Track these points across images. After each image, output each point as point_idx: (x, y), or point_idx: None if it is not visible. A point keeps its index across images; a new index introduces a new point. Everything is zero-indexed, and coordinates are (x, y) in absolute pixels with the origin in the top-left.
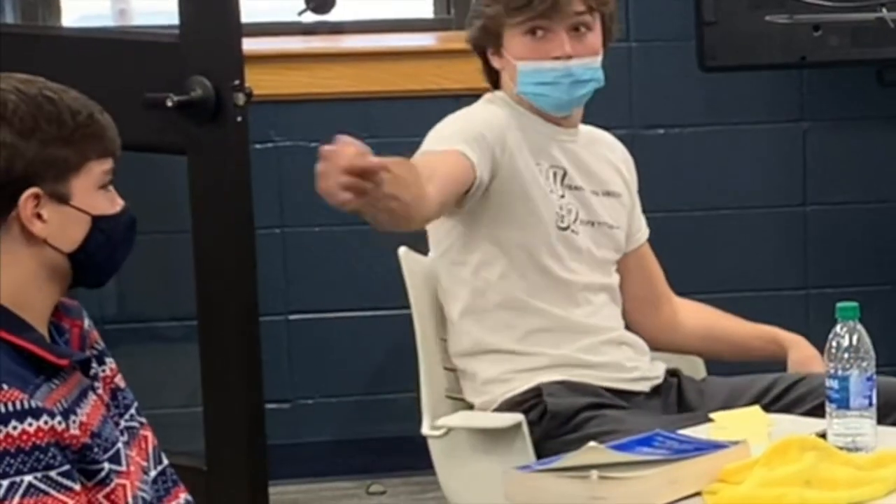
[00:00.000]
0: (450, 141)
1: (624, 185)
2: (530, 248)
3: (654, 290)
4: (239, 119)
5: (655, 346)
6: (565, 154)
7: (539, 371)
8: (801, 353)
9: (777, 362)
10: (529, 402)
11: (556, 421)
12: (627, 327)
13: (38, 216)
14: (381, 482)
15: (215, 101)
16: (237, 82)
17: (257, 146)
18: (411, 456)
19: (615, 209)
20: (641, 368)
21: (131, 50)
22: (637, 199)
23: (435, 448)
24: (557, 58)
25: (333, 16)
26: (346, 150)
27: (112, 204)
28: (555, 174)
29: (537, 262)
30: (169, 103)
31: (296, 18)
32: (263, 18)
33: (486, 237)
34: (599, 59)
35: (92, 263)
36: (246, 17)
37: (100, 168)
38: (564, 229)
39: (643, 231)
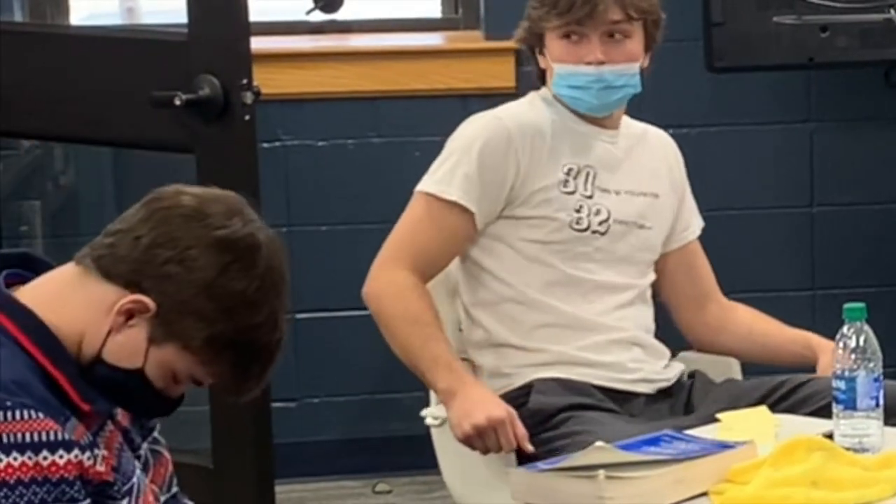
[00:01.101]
0: (455, 181)
1: (668, 186)
2: (540, 247)
3: (700, 288)
4: (247, 118)
5: (700, 347)
6: (601, 155)
7: (538, 367)
8: (830, 359)
9: (810, 368)
10: (520, 399)
11: (536, 419)
12: (675, 326)
13: (129, 316)
14: (387, 481)
15: (223, 99)
16: (245, 81)
17: (265, 145)
18: (417, 455)
19: (652, 210)
20: (646, 370)
21: (139, 48)
22: (688, 197)
23: (435, 437)
24: (590, 63)
25: (341, 15)
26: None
27: (170, 387)
28: (587, 175)
29: (546, 260)
30: (177, 102)
31: (304, 17)
32: (271, 17)
33: (498, 236)
34: (637, 65)
35: (102, 386)
36: (254, 15)
37: (199, 372)
38: (583, 230)
39: (691, 229)
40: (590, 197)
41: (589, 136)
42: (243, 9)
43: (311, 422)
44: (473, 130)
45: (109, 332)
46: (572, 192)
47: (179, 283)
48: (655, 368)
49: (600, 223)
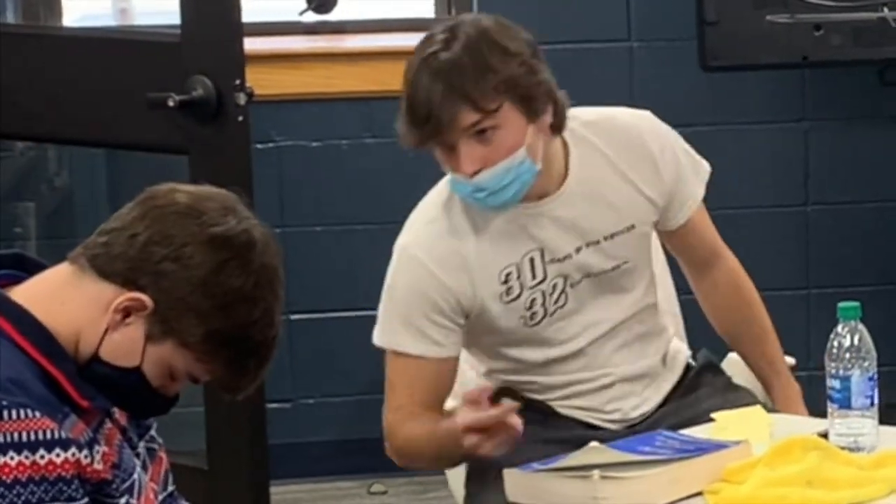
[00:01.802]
0: (399, 335)
1: (635, 194)
2: (499, 349)
3: (699, 254)
4: (240, 119)
5: (716, 321)
6: (542, 227)
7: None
8: (785, 392)
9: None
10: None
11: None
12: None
13: (126, 314)
14: (382, 482)
15: (216, 100)
16: (238, 82)
17: (258, 146)
18: None
19: (619, 245)
20: (624, 409)
21: (132, 49)
22: (682, 171)
23: None
24: (467, 173)
25: (335, 15)
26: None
27: (167, 385)
28: (531, 262)
29: (510, 355)
30: (170, 103)
31: (297, 18)
32: (265, 18)
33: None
34: (522, 151)
35: (99, 383)
36: (247, 16)
37: (196, 368)
38: (539, 321)
39: (684, 211)
40: (542, 280)
41: (520, 219)
42: (236, 10)
43: (306, 422)
44: (392, 275)
45: (106, 331)
46: (517, 297)
47: (176, 281)
48: (636, 402)
49: (564, 292)
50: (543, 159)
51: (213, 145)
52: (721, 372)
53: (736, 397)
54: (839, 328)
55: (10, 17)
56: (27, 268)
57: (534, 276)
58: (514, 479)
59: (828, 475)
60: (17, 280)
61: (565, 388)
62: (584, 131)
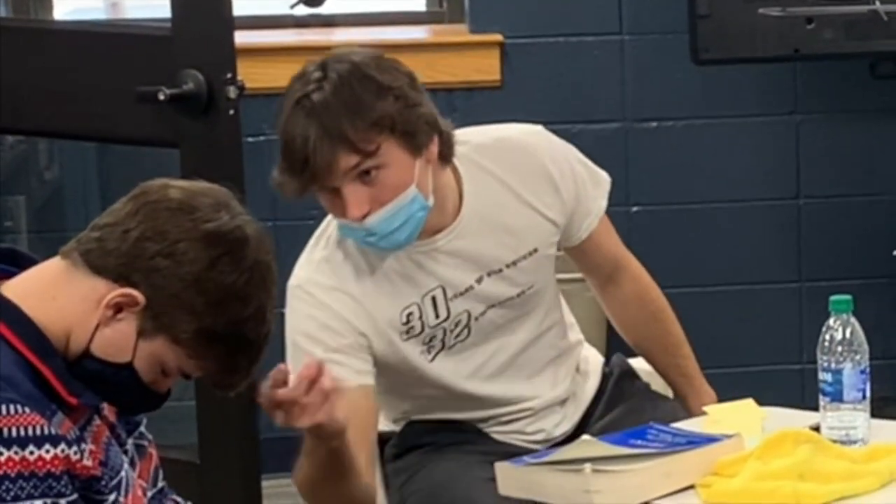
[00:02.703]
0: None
1: (534, 220)
2: (406, 390)
3: (602, 266)
4: (231, 112)
5: (622, 330)
6: (440, 263)
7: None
8: (700, 400)
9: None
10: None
11: (402, 443)
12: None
13: (118, 309)
14: None
15: (207, 94)
16: (229, 75)
17: (250, 139)
18: None
19: (523, 270)
20: (547, 429)
21: (123, 43)
22: (580, 193)
23: None
24: (355, 218)
25: (326, 9)
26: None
27: (158, 381)
28: (432, 300)
29: (414, 393)
30: (161, 97)
31: (288, 11)
32: (255, 11)
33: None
34: (411, 189)
35: (90, 381)
36: (238, 10)
37: (188, 365)
38: (433, 359)
39: (586, 226)
40: (446, 318)
41: (416, 258)
42: (227, 3)
43: None
44: (290, 328)
45: (98, 326)
46: (419, 333)
47: (169, 277)
48: (556, 421)
49: (468, 325)
50: (435, 192)
51: (204, 139)
52: (638, 378)
53: (671, 405)
54: (831, 321)
55: (1, 11)
56: (19, 262)
57: (437, 315)
58: (505, 473)
59: (819, 468)
60: (9, 275)
61: (482, 423)
62: (476, 156)
